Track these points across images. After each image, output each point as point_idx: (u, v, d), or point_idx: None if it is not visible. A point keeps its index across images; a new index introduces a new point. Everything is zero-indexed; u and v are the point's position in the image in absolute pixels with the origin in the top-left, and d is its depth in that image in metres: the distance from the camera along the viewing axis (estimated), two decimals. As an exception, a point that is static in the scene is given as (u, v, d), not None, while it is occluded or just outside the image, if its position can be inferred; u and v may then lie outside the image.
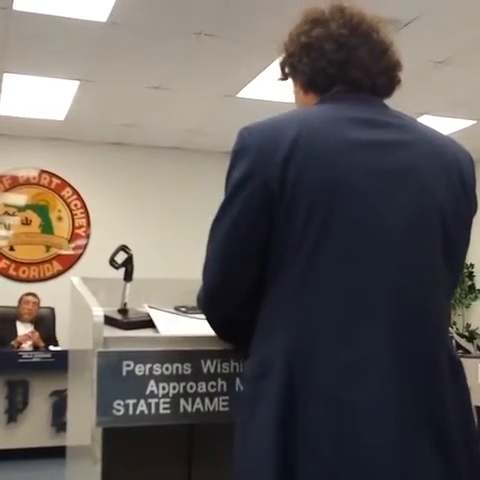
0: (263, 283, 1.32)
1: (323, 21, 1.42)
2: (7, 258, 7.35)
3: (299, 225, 1.24)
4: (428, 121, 6.63)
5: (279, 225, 1.26)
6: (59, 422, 5.33)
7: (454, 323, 7.59)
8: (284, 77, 1.51)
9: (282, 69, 1.51)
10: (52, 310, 6.57)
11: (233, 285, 1.35)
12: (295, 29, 1.46)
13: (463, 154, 1.42)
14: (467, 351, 3.69)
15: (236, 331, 1.44)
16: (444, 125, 6.82)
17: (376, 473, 1.16)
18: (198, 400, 1.52)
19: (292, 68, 1.47)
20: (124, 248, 1.85)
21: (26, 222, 7.46)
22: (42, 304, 6.47)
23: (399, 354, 1.22)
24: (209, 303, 1.40)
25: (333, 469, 1.16)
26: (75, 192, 7.64)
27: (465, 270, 8.42)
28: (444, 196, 1.32)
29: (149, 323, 1.74)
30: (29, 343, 5.94)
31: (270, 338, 1.27)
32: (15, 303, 6.39)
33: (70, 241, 7.59)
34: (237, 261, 1.32)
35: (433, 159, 1.35)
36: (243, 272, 1.33)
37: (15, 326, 6.22)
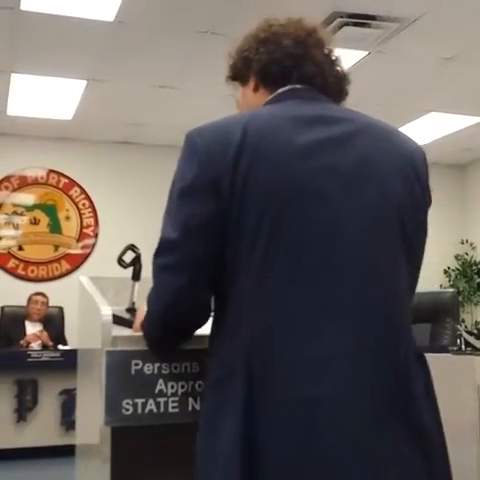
0: (220, 287, 1.29)
1: (281, 24, 1.46)
2: (16, 258, 7.38)
3: (251, 227, 1.22)
4: (435, 118, 6.62)
5: (231, 228, 1.24)
6: (68, 421, 5.35)
7: (463, 320, 7.57)
8: (233, 76, 1.51)
9: (233, 69, 1.50)
10: (61, 309, 6.59)
11: (191, 289, 1.31)
12: (251, 32, 1.48)
13: (416, 148, 1.40)
14: (476, 349, 3.67)
15: (182, 335, 1.42)
16: (451, 122, 6.80)
17: (342, 469, 1.14)
18: (207, 399, 1.52)
19: (246, 62, 1.46)
20: (132, 247, 1.85)
21: (34, 222, 7.48)
22: (51, 303, 6.49)
23: (362, 349, 1.20)
24: (160, 313, 1.36)
25: (300, 470, 1.14)
26: (83, 191, 7.66)
27: (474, 267, 8.40)
28: (400, 190, 1.31)
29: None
30: (38, 342, 5.96)
31: (230, 342, 1.25)
32: (24, 303, 6.41)
33: (78, 240, 7.60)
34: (192, 262, 1.29)
35: (387, 153, 1.34)
36: (199, 275, 1.30)
37: (24, 325, 6.25)
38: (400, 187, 1.31)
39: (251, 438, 1.16)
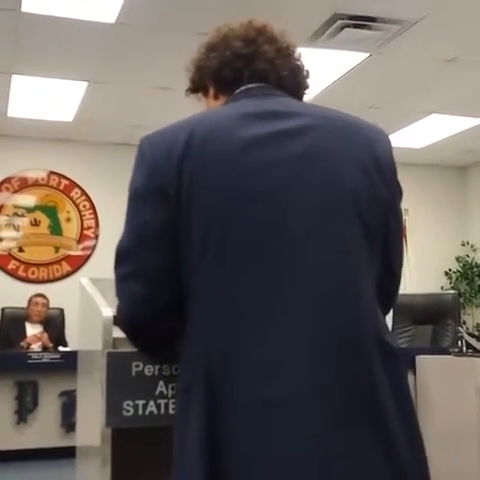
0: (182, 295, 1.27)
1: (230, 28, 1.46)
2: (16, 259, 7.38)
3: (199, 233, 1.21)
4: (436, 120, 6.63)
5: (182, 235, 1.23)
6: (68, 422, 5.34)
7: (464, 322, 7.56)
8: (193, 88, 1.53)
9: (192, 81, 1.52)
10: (61, 311, 6.59)
11: (151, 297, 1.29)
12: (204, 40, 1.48)
13: (380, 138, 1.36)
14: (477, 350, 3.67)
15: (157, 342, 1.40)
16: (452, 124, 6.80)
17: (297, 469, 1.13)
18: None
19: (200, 70, 1.48)
20: (133, 249, 1.84)
21: (35, 223, 7.49)
22: (51, 305, 6.48)
23: (319, 347, 1.18)
24: (136, 318, 1.34)
25: (258, 472, 1.14)
26: (84, 193, 7.67)
27: (475, 269, 8.41)
28: (355, 180, 1.27)
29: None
30: (38, 344, 5.96)
31: (191, 350, 1.24)
32: (24, 304, 6.40)
33: (79, 242, 7.61)
34: (148, 271, 1.28)
35: (343, 146, 1.30)
36: (158, 282, 1.28)
37: (24, 327, 6.24)
38: (359, 181, 1.27)
39: (213, 445, 1.15)
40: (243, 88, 1.40)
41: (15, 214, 7.42)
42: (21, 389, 5.44)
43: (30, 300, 6.42)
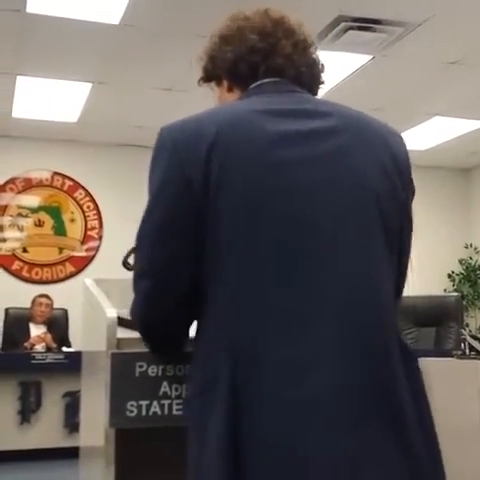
0: (199, 291, 1.26)
1: (245, 17, 1.42)
2: (20, 260, 7.39)
3: (226, 227, 1.19)
4: (440, 122, 6.62)
5: (207, 228, 1.21)
6: (72, 423, 5.35)
7: (467, 325, 7.55)
8: (206, 78, 1.48)
9: (204, 71, 1.48)
10: (65, 311, 6.59)
11: (165, 295, 1.29)
12: (216, 29, 1.45)
13: (396, 138, 1.36)
14: (480, 353, 3.67)
15: (167, 337, 1.39)
16: (456, 126, 6.80)
17: (320, 470, 1.12)
18: (211, 401, 1.52)
19: (214, 63, 1.43)
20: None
21: (39, 224, 7.50)
22: (55, 306, 6.49)
23: (346, 348, 1.17)
24: (146, 322, 1.35)
25: (283, 472, 1.13)
26: (88, 194, 7.68)
27: (478, 272, 8.39)
28: (378, 182, 1.26)
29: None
30: (42, 345, 5.97)
31: (211, 348, 1.22)
32: (28, 305, 6.42)
33: (83, 243, 7.61)
34: (168, 273, 1.26)
35: (366, 147, 1.29)
36: (176, 284, 1.27)
37: (28, 328, 6.25)
38: (380, 182, 1.27)
39: (236, 446, 1.14)
40: (260, 83, 1.37)
41: (19, 215, 7.43)
42: (25, 389, 5.45)
43: (34, 301, 6.43)
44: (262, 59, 1.37)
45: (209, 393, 1.19)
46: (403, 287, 1.41)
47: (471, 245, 8.58)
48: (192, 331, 1.46)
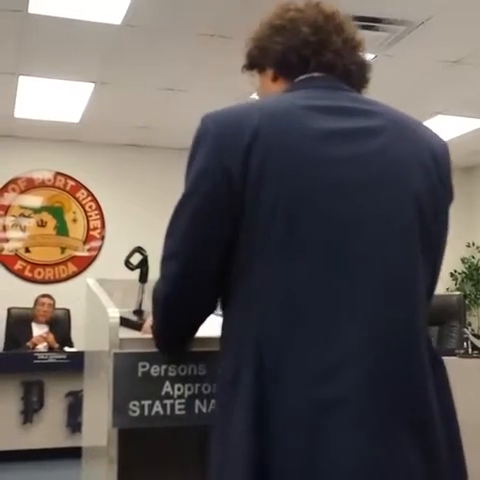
0: (229, 282, 1.26)
1: (298, 8, 1.39)
2: (23, 259, 7.40)
3: (264, 220, 1.18)
4: (442, 121, 6.62)
5: (244, 219, 1.20)
6: (74, 423, 5.36)
7: (469, 324, 7.55)
8: (250, 65, 1.45)
9: (249, 57, 1.45)
10: (68, 311, 6.61)
11: (194, 285, 1.29)
12: (266, 16, 1.42)
13: (438, 141, 1.37)
14: (482, 352, 3.67)
15: (184, 331, 1.40)
16: (458, 125, 6.79)
17: (350, 470, 1.12)
18: (213, 401, 1.52)
19: (262, 51, 1.41)
20: (139, 250, 1.85)
21: (41, 224, 7.51)
22: (57, 305, 6.50)
23: (377, 352, 1.17)
24: (168, 300, 1.33)
25: (307, 472, 1.12)
26: (90, 194, 7.68)
27: (481, 271, 8.39)
28: (419, 184, 1.26)
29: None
30: (44, 344, 5.97)
31: (239, 340, 1.21)
32: (31, 304, 6.43)
33: (85, 243, 7.62)
34: (197, 257, 1.26)
35: (410, 148, 1.29)
36: (204, 269, 1.27)
37: (30, 327, 6.26)
38: (422, 184, 1.26)
39: (260, 441, 1.13)
40: (308, 76, 1.35)
41: (22, 215, 7.44)
42: (27, 389, 5.45)
43: (36, 300, 6.44)
44: (312, 53, 1.34)
45: (234, 389, 1.18)
46: (434, 289, 1.39)
47: (473, 244, 8.57)
48: (199, 331, 1.47)
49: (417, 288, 1.25)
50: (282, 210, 1.18)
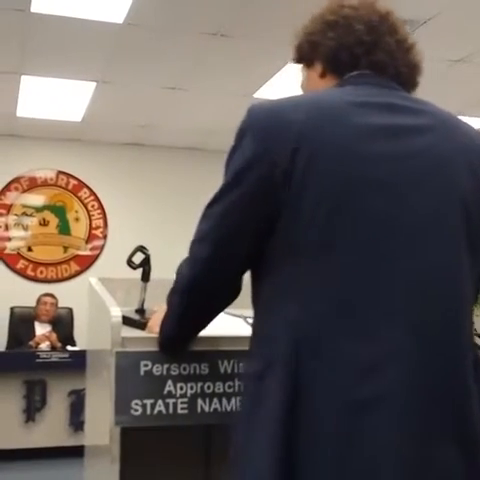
0: (262, 277, 1.27)
1: (352, 6, 1.37)
2: (25, 259, 7.40)
3: (306, 213, 1.17)
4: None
5: (284, 215, 1.19)
6: (77, 421, 5.36)
7: (473, 323, 7.53)
8: (298, 59, 1.45)
9: (298, 51, 1.44)
10: (70, 310, 6.61)
11: (221, 271, 1.30)
12: (319, 11, 1.40)
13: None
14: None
15: (201, 319, 1.40)
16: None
17: (385, 471, 1.10)
18: (215, 400, 1.52)
19: (313, 46, 1.39)
20: (141, 249, 1.85)
21: (44, 223, 7.51)
22: (60, 304, 6.51)
23: (420, 350, 1.15)
24: (195, 280, 1.33)
25: (338, 472, 1.10)
26: (92, 193, 7.68)
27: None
28: (466, 184, 1.25)
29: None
30: (47, 343, 5.98)
31: (273, 333, 1.20)
32: (33, 304, 6.44)
33: (87, 242, 7.62)
34: (228, 245, 1.27)
35: (454, 146, 1.28)
36: (233, 257, 1.29)
37: (33, 326, 6.26)
38: (468, 184, 1.25)
39: (290, 438, 1.12)
40: (359, 72, 1.33)
41: (24, 214, 7.44)
42: (29, 388, 5.46)
43: (39, 299, 6.45)
44: (365, 52, 1.33)
45: (267, 378, 1.17)
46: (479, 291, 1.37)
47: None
48: (202, 332, 1.47)
49: (462, 287, 1.24)
50: (326, 206, 1.17)
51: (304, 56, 1.43)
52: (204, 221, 1.30)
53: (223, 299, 1.36)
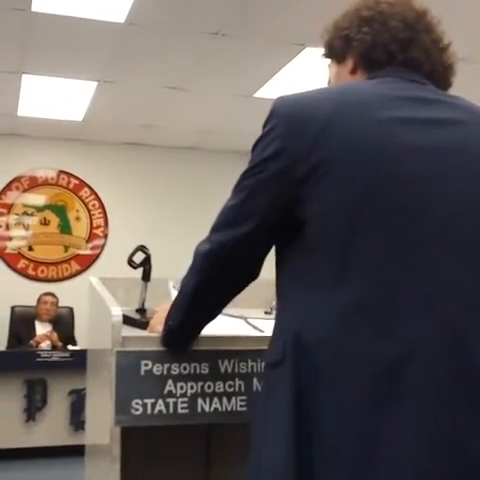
0: (280, 266, 1.28)
1: (388, 2, 1.35)
2: (26, 258, 7.40)
3: (328, 212, 1.17)
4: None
5: (304, 210, 1.19)
6: (77, 421, 5.36)
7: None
8: (329, 54, 1.42)
9: (329, 46, 1.41)
10: (71, 310, 6.61)
11: (242, 250, 1.30)
12: (353, 6, 1.38)
13: None
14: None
15: (212, 303, 1.40)
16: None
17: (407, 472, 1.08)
18: (216, 400, 1.52)
19: (346, 41, 1.36)
20: (142, 248, 1.85)
21: (44, 222, 7.51)
22: (61, 304, 6.51)
23: (441, 350, 1.11)
24: (214, 259, 1.33)
25: (354, 472, 1.09)
26: (93, 192, 7.68)
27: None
28: None
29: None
30: (47, 343, 5.98)
31: (285, 325, 1.21)
32: (34, 303, 6.44)
33: (88, 241, 7.62)
34: (252, 223, 1.26)
35: None
36: (258, 240, 1.29)
37: (34, 326, 6.27)
38: None
39: (301, 426, 1.13)
40: (392, 68, 1.31)
41: (25, 213, 7.44)
42: (30, 387, 5.46)
43: (39, 299, 6.45)
44: (400, 49, 1.31)
45: (279, 367, 1.19)
46: None
47: None
48: (204, 330, 1.47)
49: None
50: (346, 203, 1.16)
51: (336, 51, 1.41)
52: (227, 206, 1.31)
53: (237, 281, 1.36)
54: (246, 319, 1.87)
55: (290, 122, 1.22)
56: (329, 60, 1.44)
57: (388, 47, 1.32)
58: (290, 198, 1.21)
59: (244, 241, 1.28)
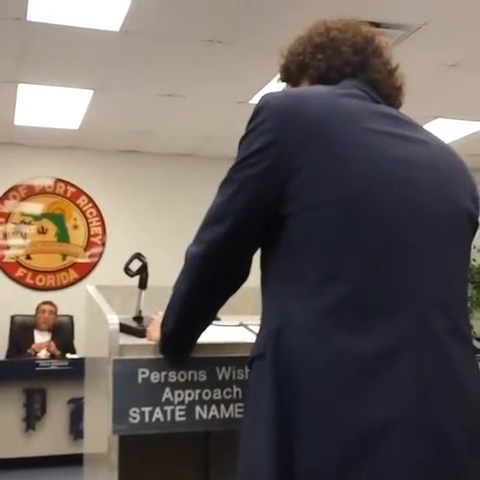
0: (265, 263, 1.30)
1: (338, 29, 1.41)
2: (24, 267, 7.40)
3: (314, 210, 1.19)
4: (442, 124, 6.62)
5: (290, 208, 1.21)
6: (76, 430, 5.35)
7: (471, 327, 7.54)
8: (285, 78, 1.49)
9: (285, 70, 1.47)
10: (71, 318, 6.60)
11: (231, 247, 1.31)
12: (306, 33, 1.44)
13: (460, 159, 1.43)
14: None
15: (207, 302, 1.40)
16: (458, 128, 6.79)
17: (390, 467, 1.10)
18: (214, 407, 1.52)
19: (301, 66, 1.42)
20: (139, 256, 1.85)
21: (42, 231, 7.51)
22: (60, 312, 6.50)
23: (422, 351, 1.15)
24: (205, 258, 1.33)
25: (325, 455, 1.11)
26: (90, 200, 7.69)
27: (483, 274, 8.37)
28: (467, 200, 1.33)
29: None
30: (45, 352, 5.97)
31: (269, 320, 1.24)
32: (33, 312, 6.43)
33: (86, 249, 7.62)
34: (242, 225, 1.29)
35: (447, 161, 1.35)
36: (246, 236, 1.31)
37: (33, 334, 6.26)
38: (466, 198, 1.33)
39: (284, 430, 1.14)
40: (352, 81, 1.36)
41: (22, 222, 7.44)
42: (29, 396, 5.45)
43: (38, 308, 6.44)
44: (354, 72, 1.38)
45: (262, 360, 1.21)
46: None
47: (474, 247, 8.52)
48: (201, 337, 1.47)
49: (461, 296, 1.29)
50: (336, 202, 1.19)
51: (291, 76, 1.47)
52: (216, 201, 1.32)
53: (228, 281, 1.37)
54: (247, 326, 1.87)
55: (281, 115, 1.24)
56: (284, 84, 1.50)
57: (342, 70, 1.38)
58: (275, 195, 1.23)
59: (232, 237, 1.30)
